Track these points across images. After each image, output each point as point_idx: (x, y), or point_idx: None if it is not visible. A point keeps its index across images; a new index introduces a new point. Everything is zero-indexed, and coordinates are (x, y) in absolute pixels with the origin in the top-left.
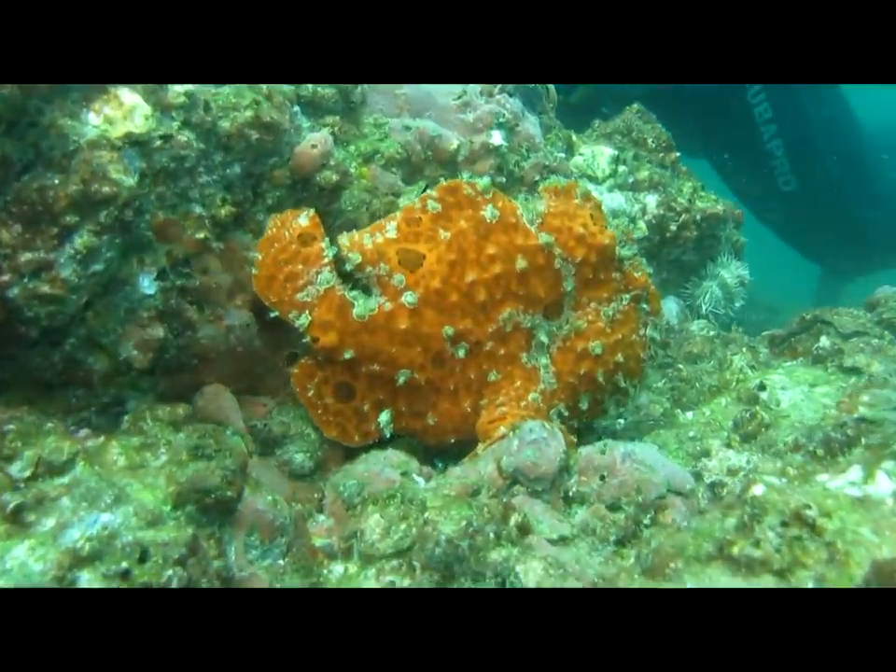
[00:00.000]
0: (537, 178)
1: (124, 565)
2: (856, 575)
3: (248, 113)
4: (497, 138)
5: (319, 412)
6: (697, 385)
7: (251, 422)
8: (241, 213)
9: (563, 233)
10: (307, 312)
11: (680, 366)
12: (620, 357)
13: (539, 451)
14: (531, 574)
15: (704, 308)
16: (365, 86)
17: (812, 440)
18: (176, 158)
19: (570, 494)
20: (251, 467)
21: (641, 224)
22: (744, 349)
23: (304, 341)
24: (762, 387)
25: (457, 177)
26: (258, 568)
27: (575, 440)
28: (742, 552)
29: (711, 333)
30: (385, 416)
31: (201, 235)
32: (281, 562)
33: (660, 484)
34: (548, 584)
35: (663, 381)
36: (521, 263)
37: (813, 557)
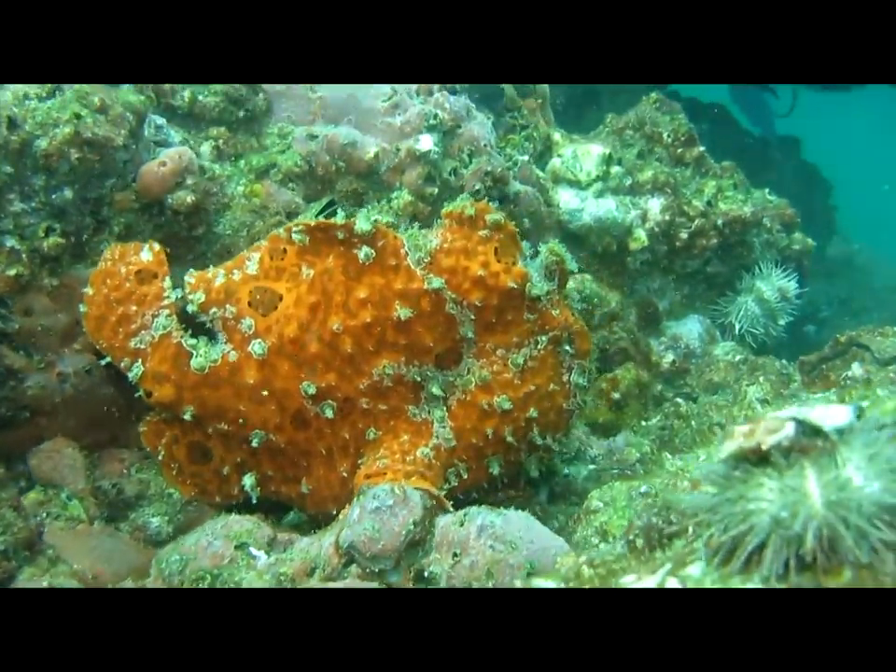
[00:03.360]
0: (477, 187)
1: None
2: None
3: (67, 129)
4: (425, 143)
5: (174, 472)
6: (694, 423)
7: (101, 481)
8: (77, 243)
9: (457, 275)
10: (140, 361)
11: (679, 400)
12: (533, 412)
13: (380, 522)
14: None
15: (737, 327)
16: (270, 91)
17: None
18: None
19: (426, 574)
20: (80, 536)
21: (640, 233)
22: (761, 378)
23: (137, 395)
24: None
25: (377, 190)
26: None
27: (449, 505)
28: None
29: (738, 358)
30: (248, 480)
31: (13, 272)
32: None
33: (518, 566)
34: None
35: (657, 417)
36: (401, 311)
37: None
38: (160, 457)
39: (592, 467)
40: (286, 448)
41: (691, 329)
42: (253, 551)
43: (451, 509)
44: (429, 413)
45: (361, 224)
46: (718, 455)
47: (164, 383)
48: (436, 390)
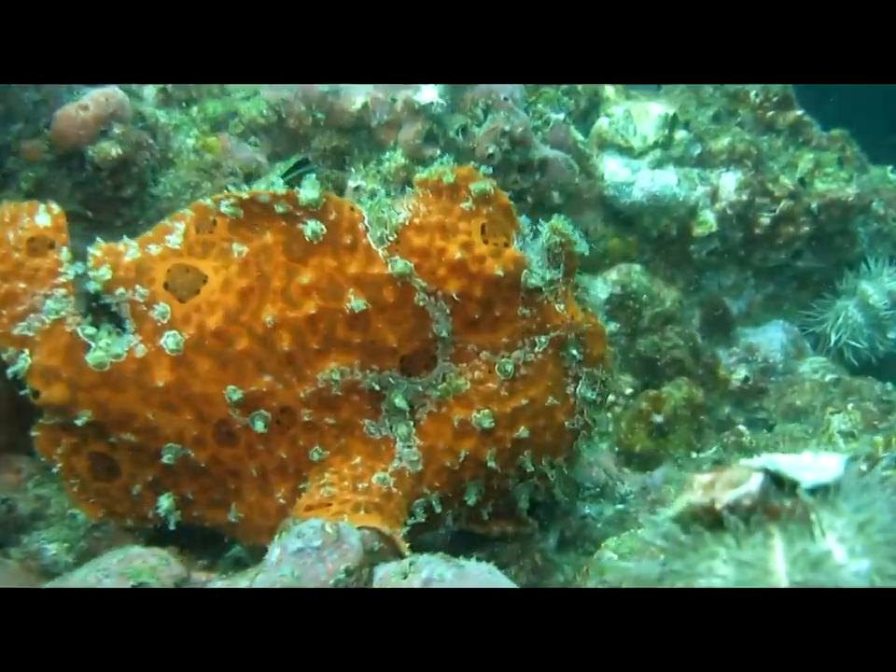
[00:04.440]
0: (491, 150)
1: None
2: None
3: None
4: (427, 93)
5: (75, 489)
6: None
7: None
8: None
9: (430, 258)
10: (27, 351)
11: (741, 428)
12: (524, 432)
13: (303, 567)
14: None
15: (833, 338)
16: None
17: None
18: None
19: None
20: None
21: (707, 216)
22: (850, 406)
23: (23, 393)
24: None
25: (365, 150)
26: None
27: (406, 548)
28: None
29: (829, 378)
30: (164, 503)
31: None
32: None
33: None
34: None
35: (714, 448)
36: (355, 301)
37: None
38: (58, 466)
39: (620, 506)
40: (209, 466)
41: (772, 338)
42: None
43: (406, 552)
44: (391, 429)
45: (307, 193)
46: (668, 510)
47: (55, 380)
48: (399, 402)
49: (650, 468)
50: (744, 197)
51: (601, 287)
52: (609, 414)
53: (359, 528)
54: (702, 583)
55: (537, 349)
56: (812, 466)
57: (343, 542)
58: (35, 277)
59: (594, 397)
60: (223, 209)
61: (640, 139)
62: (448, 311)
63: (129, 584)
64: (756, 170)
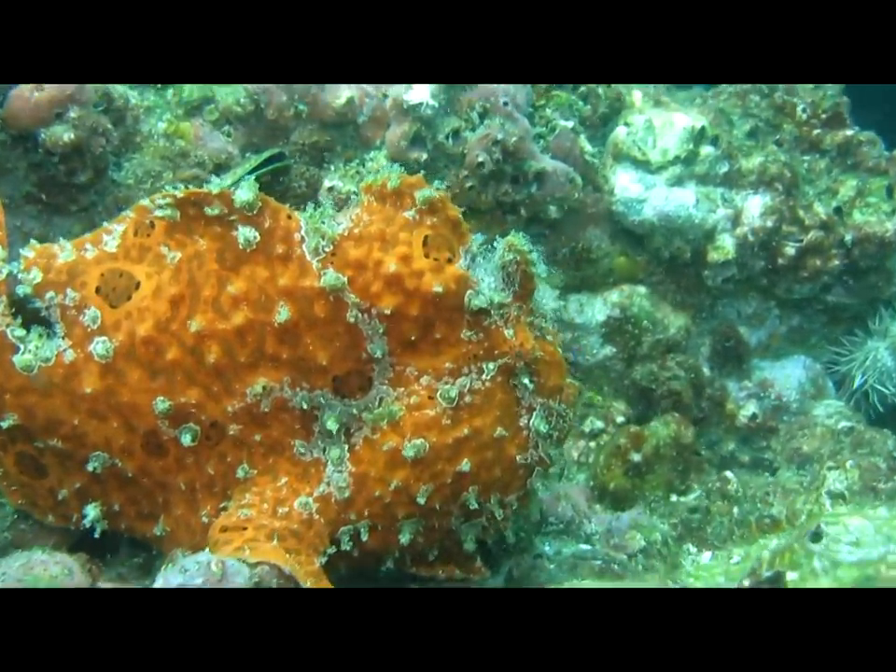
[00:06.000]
0: (481, 159)
1: None
2: None
3: None
4: (418, 91)
5: None
6: (737, 509)
7: None
8: None
9: (365, 271)
10: None
11: (728, 474)
12: (465, 465)
13: None
14: None
15: (858, 380)
16: None
17: None
18: None
19: None
20: None
21: (725, 241)
22: (848, 464)
23: None
24: (816, 535)
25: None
26: None
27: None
28: None
29: (841, 425)
30: (91, 512)
31: None
32: None
33: None
34: None
35: (696, 493)
36: (283, 313)
37: None
38: None
39: (584, 546)
40: (137, 477)
41: (789, 374)
42: None
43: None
44: (323, 451)
45: (243, 194)
46: None
47: None
48: (331, 424)
49: (622, 507)
50: (769, 223)
51: (599, 308)
52: (593, 444)
53: (258, 564)
54: None
55: (484, 376)
56: None
57: (228, 582)
58: None
59: (548, 430)
60: (157, 213)
61: (660, 153)
62: (382, 330)
63: None
64: (788, 194)
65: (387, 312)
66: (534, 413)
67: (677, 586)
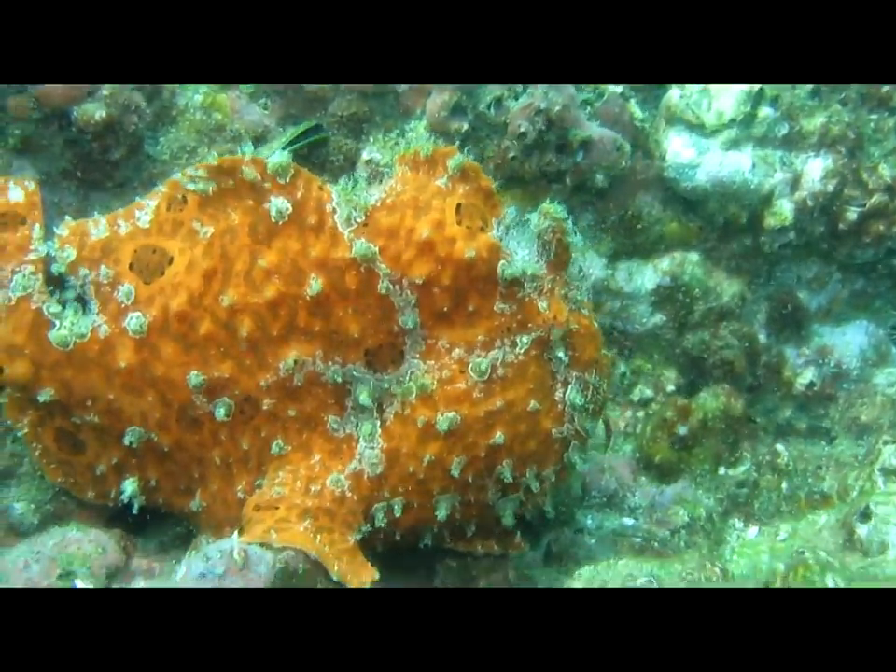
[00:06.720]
0: (523, 129)
1: None
2: None
3: None
4: None
5: (38, 452)
6: (786, 484)
7: None
8: None
9: (397, 239)
10: None
11: (779, 447)
12: (499, 438)
13: None
14: None
15: None
16: None
17: None
18: None
19: None
20: None
21: (783, 206)
22: None
23: None
24: (864, 516)
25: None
26: None
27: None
28: None
29: None
30: (129, 487)
31: None
32: None
33: None
34: None
35: (745, 466)
36: (314, 285)
37: None
38: (25, 431)
39: (626, 520)
40: (173, 451)
41: (850, 340)
42: (79, 583)
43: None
44: (356, 427)
45: (276, 158)
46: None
47: (18, 357)
48: (364, 398)
49: (668, 480)
50: (830, 187)
51: (649, 276)
52: (641, 413)
53: (284, 549)
54: None
55: (518, 349)
56: None
57: (250, 571)
58: (4, 252)
59: (583, 403)
60: (190, 185)
61: (715, 115)
62: (414, 301)
63: (56, 572)
64: (851, 156)
65: (419, 281)
66: (569, 387)
67: (713, 569)
